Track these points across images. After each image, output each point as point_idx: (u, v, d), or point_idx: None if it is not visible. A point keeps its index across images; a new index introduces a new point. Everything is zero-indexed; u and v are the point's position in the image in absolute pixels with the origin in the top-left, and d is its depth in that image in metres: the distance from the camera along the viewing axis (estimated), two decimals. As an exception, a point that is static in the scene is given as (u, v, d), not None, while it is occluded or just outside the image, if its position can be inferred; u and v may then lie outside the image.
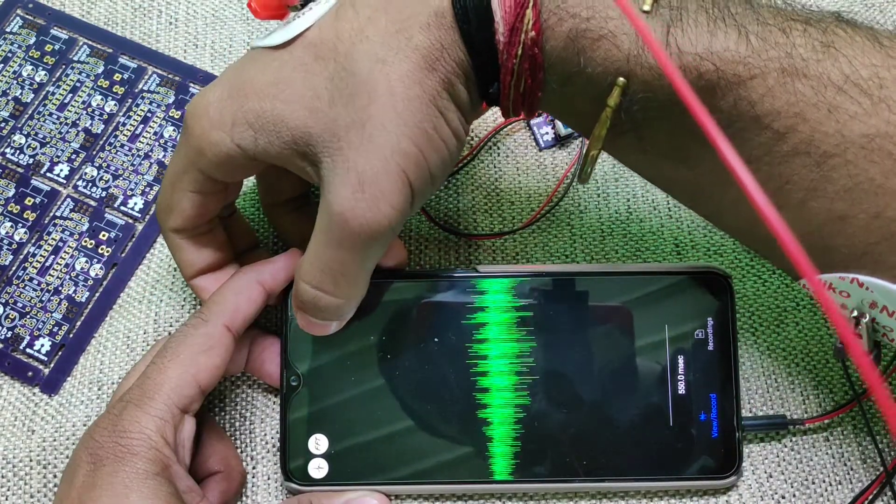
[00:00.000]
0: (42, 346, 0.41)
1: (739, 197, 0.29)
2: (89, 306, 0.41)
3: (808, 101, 0.28)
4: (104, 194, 0.43)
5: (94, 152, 0.44)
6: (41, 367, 0.40)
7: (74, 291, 0.41)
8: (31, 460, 0.39)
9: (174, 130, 0.45)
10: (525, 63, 0.30)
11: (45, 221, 0.43)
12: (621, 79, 0.29)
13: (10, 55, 0.47)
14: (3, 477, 0.38)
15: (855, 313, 0.31)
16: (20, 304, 0.41)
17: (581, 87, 0.30)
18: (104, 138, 0.45)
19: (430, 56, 0.30)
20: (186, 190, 0.34)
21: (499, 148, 0.44)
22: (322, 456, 0.37)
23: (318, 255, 0.32)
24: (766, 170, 0.29)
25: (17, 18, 0.48)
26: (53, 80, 0.46)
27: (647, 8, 0.28)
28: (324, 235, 0.31)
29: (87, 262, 0.42)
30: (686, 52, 0.28)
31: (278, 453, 0.38)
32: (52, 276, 0.42)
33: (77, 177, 0.44)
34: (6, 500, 0.38)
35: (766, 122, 0.28)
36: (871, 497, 0.37)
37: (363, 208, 0.30)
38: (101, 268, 0.42)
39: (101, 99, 0.45)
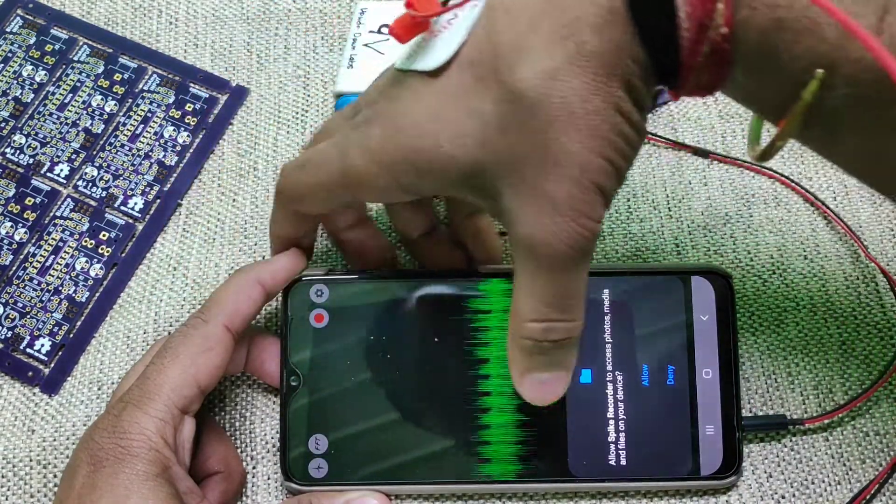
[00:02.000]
0: (42, 346, 0.41)
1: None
2: (89, 306, 0.41)
3: None
4: (104, 194, 0.43)
5: (95, 152, 0.44)
6: (41, 367, 0.40)
7: (74, 291, 0.41)
8: (31, 460, 0.39)
9: (174, 130, 0.45)
10: (711, 59, 0.27)
11: (46, 221, 0.43)
12: (820, 70, 0.25)
13: (10, 55, 0.47)
14: (3, 477, 0.38)
15: None
16: (20, 304, 0.41)
17: (772, 79, 0.27)
18: (104, 138, 0.45)
19: (607, 62, 0.27)
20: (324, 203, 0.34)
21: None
22: (322, 456, 0.37)
23: (534, 290, 0.30)
24: None
25: (18, 18, 0.48)
26: (53, 80, 0.46)
27: None
28: (532, 268, 0.29)
29: (87, 262, 0.42)
30: None
31: (278, 453, 0.38)
32: (52, 276, 0.42)
33: (77, 177, 0.44)
34: (6, 500, 0.38)
35: None
36: (868, 497, 0.37)
37: (567, 230, 0.28)
38: (101, 268, 0.42)
39: (101, 99, 0.45)
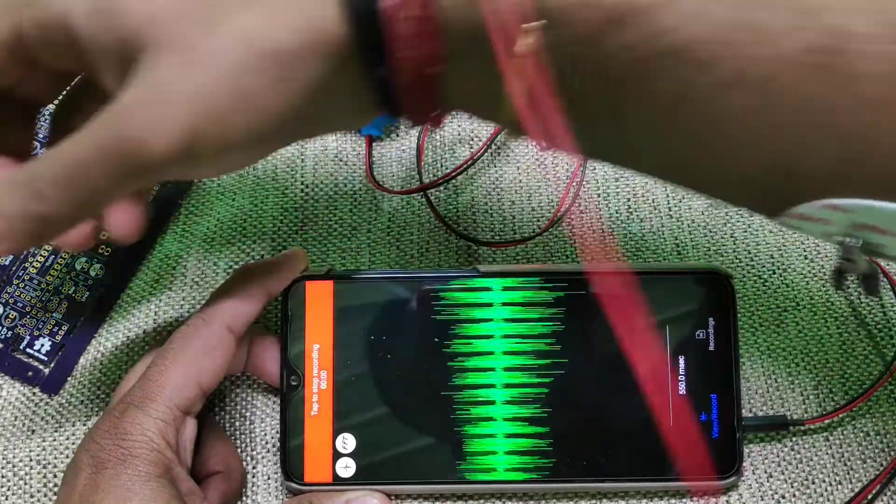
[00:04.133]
0: (42, 346, 0.41)
1: (672, 134, 0.26)
2: (89, 306, 0.41)
3: (730, 23, 0.25)
4: (104, 194, 0.43)
5: (94, 152, 0.44)
6: (41, 367, 0.40)
7: (74, 291, 0.41)
8: (31, 460, 0.39)
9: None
10: (415, 27, 0.25)
11: (45, 221, 0.43)
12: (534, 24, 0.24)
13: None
14: (3, 477, 0.38)
15: (842, 239, 0.29)
16: (20, 304, 0.41)
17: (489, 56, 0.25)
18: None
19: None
20: None
21: (498, 147, 0.44)
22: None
23: (72, 157, 0.26)
24: (703, 105, 0.26)
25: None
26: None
27: None
28: (99, 139, 0.26)
29: (87, 262, 0.42)
30: None
31: (278, 453, 0.38)
32: (52, 275, 0.42)
33: (77, 176, 0.44)
34: (6, 500, 0.38)
35: (688, 54, 0.25)
36: (869, 496, 0.37)
37: (175, 134, 0.25)
38: (101, 268, 0.42)
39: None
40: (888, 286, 0.41)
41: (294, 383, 0.37)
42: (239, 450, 0.39)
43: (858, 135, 0.26)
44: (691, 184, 0.30)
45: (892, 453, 0.38)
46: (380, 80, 0.26)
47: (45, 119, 0.39)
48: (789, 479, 0.38)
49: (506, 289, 0.37)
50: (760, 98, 0.26)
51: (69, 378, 0.40)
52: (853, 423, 0.39)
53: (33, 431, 0.39)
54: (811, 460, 0.38)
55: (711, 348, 0.37)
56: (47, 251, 0.42)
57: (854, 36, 0.25)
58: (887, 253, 0.29)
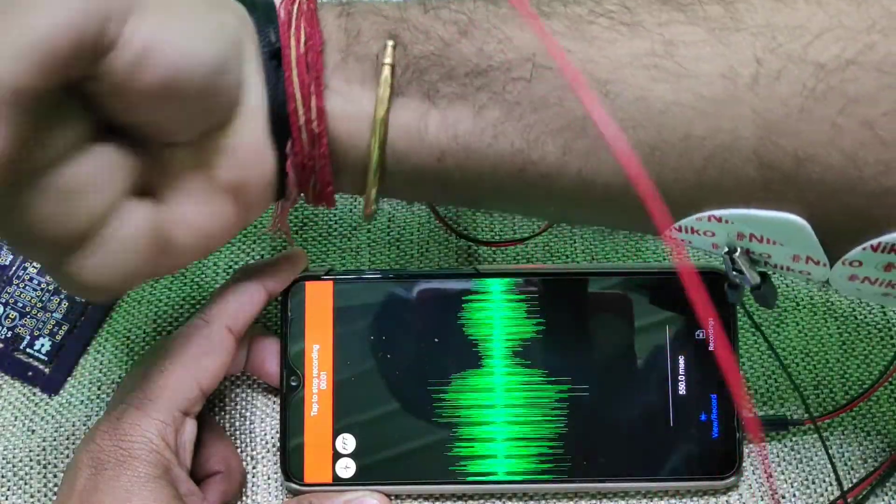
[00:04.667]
0: (42, 346, 0.41)
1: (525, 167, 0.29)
2: (89, 306, 0.41)
3: (565, 33, 0.28)
4: (104, 194, 0.43)
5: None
6: (41, 367, 0.40)
7: (74, 291, 0.41)
8: (31, 460, 0.39)
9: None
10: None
11: (45, 221, 0.43)
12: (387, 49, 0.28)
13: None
14: (3, 477, 0.38)
15: (726, 249, 0.30)
16: (20, 304, 0.41)
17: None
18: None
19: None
20: None
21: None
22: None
23: None
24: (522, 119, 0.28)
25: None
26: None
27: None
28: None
29: (86, 261, 0.42)
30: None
31: (278, 453, 0.38)
32: (52, 275, 0.42)
33: (77, 176, 0.44)
34: (6, 500, 0.38)
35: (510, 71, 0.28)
36: (864, 491, 0.37)
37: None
38: (100, 268, 0.42)
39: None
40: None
41: (294, 384, 0.37)
42: (239, 450, 0.39)
43: (703, 137, 0.27)
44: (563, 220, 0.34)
45: (893, 453, 0.38)
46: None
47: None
48: (789, 479, 0.38)
49: (505, 289, 0.37)
50: (602, 98, 0.27)
51: (69, 378, 0.40)
52: (853, 422, 0.39)
53: (33, 431, 0.39)
54: (811, 460, 0.38)
55: (711, 348, 0.37)
56: (47, 251, 0.42)
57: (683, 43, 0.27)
58: (774, 262, 0.30)
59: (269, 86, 0.29)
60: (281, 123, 0.29)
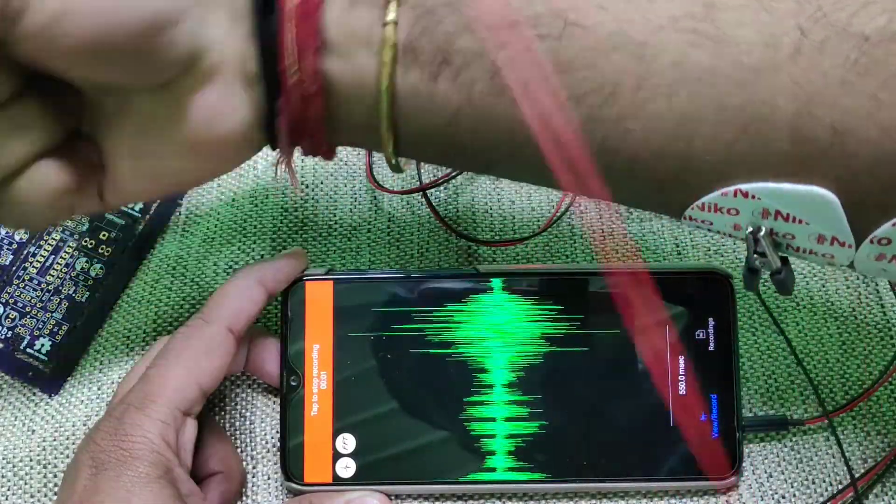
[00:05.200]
0: (42, 346, 0.41)
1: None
2: (89, 306, 0.41)
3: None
4: (104, 194, 0.43)
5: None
6: (41, 367, 0.40)
7: (74, 291, 0.41)
8: (31, 460, 0.39)
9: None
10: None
11: (45, 221, 0.43)
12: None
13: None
14: (3, 477, 0.38)
15: (750, 229, 0.28)
16: (20, 304, 0.41)
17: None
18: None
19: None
20: None
21: (499, 147, 0.44)
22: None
23: None
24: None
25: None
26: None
27: None
28: None
29: (87, 262, 0.42)
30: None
31: (278, 453, 0.38)
32: (52, 275, 0.42)
33: (77, 176, 0.44)
34: (6, 500, 0.38)
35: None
36: (864, 486, 0.37)
37: None
38: (101, 268, 0.42)
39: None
40: (888, 286, 0.41)
41: (294, 383, 0.37)
42: (239, 450, 0.39)
43: (740, 107, 0.26)
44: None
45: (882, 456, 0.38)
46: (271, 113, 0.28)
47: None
48: (789, 479, 0.38)
49: (505, 289, 0.37)
50: (636, 61, 0.26)
51: (69, 378, 0.40)
52: (853, 422, 0.39)
53: (33, 431, 0.39)
54: (811, 460, 0.38)
55: (711, 348, 0.37)
56: (47, 251, 0.42)
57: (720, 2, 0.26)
58: (797, 244, 0.28)
59: (260, 38, 0.27)
60: (270, 80, 0.27)
